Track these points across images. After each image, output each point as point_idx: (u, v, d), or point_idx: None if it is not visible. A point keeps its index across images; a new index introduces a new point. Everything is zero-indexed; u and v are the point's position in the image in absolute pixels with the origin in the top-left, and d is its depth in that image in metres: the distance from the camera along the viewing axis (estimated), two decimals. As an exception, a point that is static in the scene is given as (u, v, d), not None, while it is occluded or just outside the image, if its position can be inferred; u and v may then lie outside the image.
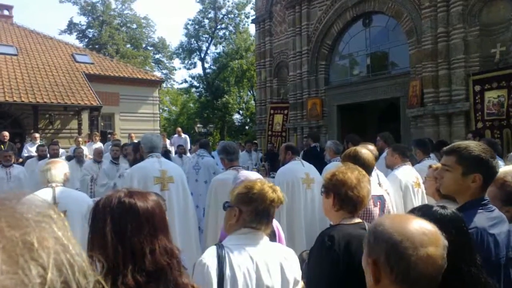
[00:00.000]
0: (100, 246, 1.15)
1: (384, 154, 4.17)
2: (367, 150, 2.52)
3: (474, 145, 1.70)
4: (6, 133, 9.27)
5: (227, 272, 1.48)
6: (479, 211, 1.62)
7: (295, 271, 1.65)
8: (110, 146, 7.16)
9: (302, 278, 1.70)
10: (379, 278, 0.99)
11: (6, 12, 18.29)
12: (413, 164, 4.00)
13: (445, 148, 1.84)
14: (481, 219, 1.58)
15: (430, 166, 2.42)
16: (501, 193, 1.87)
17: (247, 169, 5.74)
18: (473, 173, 1.63)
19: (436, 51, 7.81)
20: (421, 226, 0.99)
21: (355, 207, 1.74)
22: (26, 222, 0.33)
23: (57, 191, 2.75)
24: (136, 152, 4.27)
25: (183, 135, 12.20)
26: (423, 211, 1.38)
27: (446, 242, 0.99)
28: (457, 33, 7.47)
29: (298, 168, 3.98)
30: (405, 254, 0.94)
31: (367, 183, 1.80)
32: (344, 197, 1.71)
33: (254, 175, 2.26)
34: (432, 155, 4.53)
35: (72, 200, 2.79)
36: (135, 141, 9.40)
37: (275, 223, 2.23)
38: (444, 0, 7.65)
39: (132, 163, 4.22)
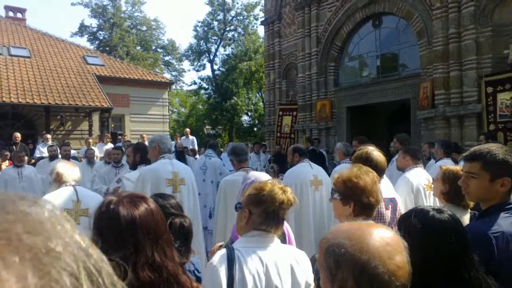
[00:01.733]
0: None
1: (396, 156, 4.14)
2: (379, 152, 2.49)
3: (496, 149, 1.67)
4: (18, 134, 9.42)
5: (237, 274, 1.47)
6: (504, 215, 1.59)
7: (307, 275, 1.63)
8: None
9: (314, 280, 1.69)
10: None
11: (19, 15, 18.62)
12: (425, 162, 3.98)
13: (465, 154, 1.80)
14: (507, 224, 1.55)
15: (440, 167, 2.39)
16: None
17: (256, 170, 5.73)
18: (502, 178, 1.61)
19: (448, 52, 7.72)
20: (382, 237, 0.90)
21: (372, 212, 1.73)
22: (43, 226, 0.28)
23: (78, 190, 2.81)
24: (136, 154, 4.04)
25: (190, 137, 12.26)
26: (419, 218, 1.37)
27: (405, 243, 0.92)
28: (469, 34, 7.37)
29: (307, 170, 3.97)
30: (377, 274, 0.85)
31: (378, 180, 1.79)
32: (366, 204, 1.68)
33: (264, 176, 2.26)
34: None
35: (91, 199, 2.85)
36: (146, 142, 9.47)
37: (285, 224, 2.23)
38: (455, 0, 7.56)
39: (132, 165, 4.06)
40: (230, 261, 1.49)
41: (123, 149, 6.07)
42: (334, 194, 1.78)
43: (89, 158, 6.74)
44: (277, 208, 1.58)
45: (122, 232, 1.09)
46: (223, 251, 1.54)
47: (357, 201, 1.69)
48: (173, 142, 6.44)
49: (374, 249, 0.87)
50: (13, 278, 0.24)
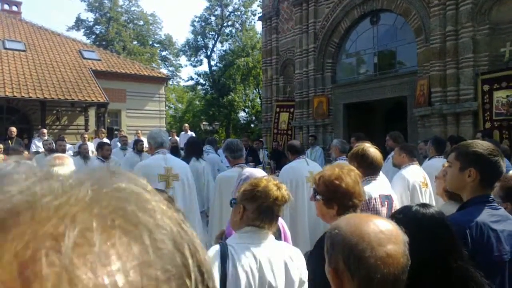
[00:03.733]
0: None
1: (392, 153, 4.14)
2: (375, 149, 2.49)
3: (476, 143, 1.71)
4: (14, 129, 9.35)
5: (230, 271, 1.47)
6: (482, 207, 1.63)
7: (301, 272, 1.63)
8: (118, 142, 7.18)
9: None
10: (342, 287, 0.92)
11: (14, 8, 18.44)
12: (423, 160, 3.98)
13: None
14: (482, 215, 1.59)
15: (443, 165, 2.39)
16: (499, 189, 1.87)
17: (254, 167, 5.75)
18: (469, 168, 1.65)
19: (445, 49, 7.73)
20: (378, 224, 0.92)
21: (356, 210, 1.72)
22: (145, 203, 0.27)
23: None
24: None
25: (189, 132, 12.23)
26: (404, 213, 1.40)
27: (406, 238, 0.93)
28: (466, 31, 7.38)
29: (302, 166, 3.97)
30: (363, 256, 0.87)
31: (360, 179, 1.77)
32: (349, 206, 1.67)
33: (258, 172, 2.25)
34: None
35: None
36: (142, 138, 9.44)
37: (280, 221, 2.22)
38: (453, -2, 7.56)
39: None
40: (223, 257, 1.48)
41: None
42: (316, 195, 1.74)
43: (84, 154, 6.71)
44: (271, 204, 1.57)
45: None
46: (216, 247, 1.54)
47: (341, 203, 1.69)
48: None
49: (365, 233, 0.90)
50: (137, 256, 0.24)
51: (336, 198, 1.68)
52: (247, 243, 1.55)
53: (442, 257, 1.27)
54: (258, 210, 1.57)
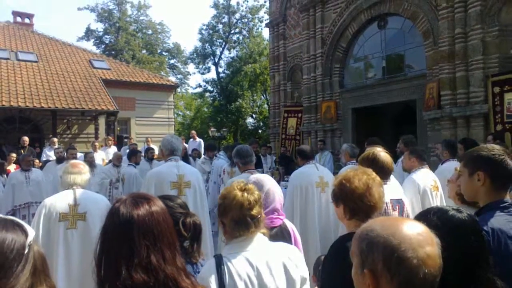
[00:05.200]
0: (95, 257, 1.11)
1: (402, 157, 4.11)
2: (385, 153, 2.48)
3: (482, 147, 1.69)
4: (26, 138, 9.52)
5: (227, 282, 1.45)
6: (498, 213, 1.58)
7: (301, 270, 1.61)
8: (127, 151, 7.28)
9: (318, 279, 1.67)
10: None
11: (27, 20, 18.86)
12: (436, 164, 3.93)
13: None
14: (499, 221, 1.55)
15: (455, 169, 2.37)
16: None
17: (262, 173, 5.76)
18: (476, 172, 1.63)
19: (454, 52, 7.66)
20: (414, 227, 0.95)
21: (367, 215, 1.67)
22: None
23: (77, 193, 2.80)
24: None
25: (197, 139, 12.28)
26: (438, 215, 1.36)
27: (438, 240, 0.95)
28: (475, 33, 7.31)
29: (312, 171, 3.95)
30: (405, 257, 0.88)
31: (379, 186, 1.74)
32: (355, 206, 1.66)
33: (265, 178, 2.25)
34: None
35: (91, 202, 2.83)
36: (151, 145, 9.52)
37: (290, 225, 2.21)
38: (461, 0, 7.51)
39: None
40: (219, 269, 1.47)
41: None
42: (335, 200, 1.79)
43: (90, 162, 6.80)
44: (241, 213, 1.55)
45: (119, 230, 1.10)
46: (212, 260, 1.53)
47: (346, 203, 1.68)
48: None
49: (405, 235, 0.91)
50: None
51: (342, 197, 1.70)
52: (239, 252, 1.53)
53: (470, 266, 1.24)
54: (233, 222, 1.56)
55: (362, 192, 1.66)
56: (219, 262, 1.49)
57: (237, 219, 1.55)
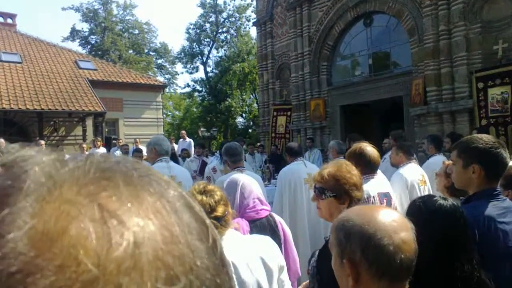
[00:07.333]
0: None
1: (389, 153, 4.17)
2: (372, 148, 2.51)
3: (476, 138, 1.70)
4: (2, 140, 9.31)
5: None
6: (488, 200, 1.61)
7: (277, 259, 1.62)
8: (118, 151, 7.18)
9: (311, 277, 1.68)
10: (358, 277, 0.94)
11: (9, 21, 18.48)
12: (423, 159, 4.00)
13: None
14: (488, 208, 1.58)
15: (443, 163, 2.41)
16: (501, 178, 1.88)
17: (252, 171, 5.77)
18: (472, 164, 1.64)
19: (438, 49, 7.79)
20: (388, 214, 0.97)
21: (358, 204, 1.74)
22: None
23: None
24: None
25: (187, 139, 12.23)
26: (423, 200, 1.42)
27: (413, 225, 0.98)
28: (459, 30, 7.45)
29: (300, 168, 3.97)
30: (382, 245, 0.90)
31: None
32: (356, 200, 1.67)
33: (238, 175, 2.25)
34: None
35: None
36: (140, 146, 9.45)
37: (278, 219, 2.23)
38: (445, -2, 7.64)
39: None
40: None
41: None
42: (326, 192, 1.68)
43: None
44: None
45: None
46: None
47: (351, 197, 1.68)
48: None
49: (380, 223, 0.94)
50: None
51: (347, 191, 1.65)
52: None
53: (446, 250, 1.26)
54: None
55: (360, 183, 1.70)
56: None
57: None
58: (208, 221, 0.29)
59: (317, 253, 1.69)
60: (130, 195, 0.25)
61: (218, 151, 6.01)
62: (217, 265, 0.26)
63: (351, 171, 1.71)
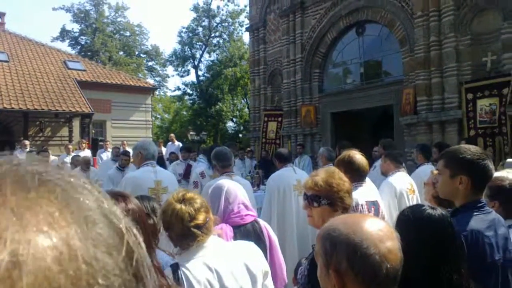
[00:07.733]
0: None
1: (379, 161, 4.15)
2: (361, 156, 2.47)
3: (464, 148, 1.70)
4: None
5: None
6: (475, 213, 1.62)
7: (261, 264, 1.59)
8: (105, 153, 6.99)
9: (301, 286, 1.62)
10: (343, 287, 0.93)
11: (-2, 19, 18.17)
12: (412, 168, 4.00)
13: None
14: (476, 222, 1.58)
15: (432, 172, 2.39)
16: (486, 188, 1.89)
17: (241, 176, 5.68)
18: (459, 175, 1.63)
19: (429, 59, 7.86)
20: (374, 223, 0.97)
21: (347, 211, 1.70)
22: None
23: None
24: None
25: (176, 143, 12.10)
26: (412, 209, 1.41)
27: (398, 234, 0.97)
28: (449, 42, 7.53)
29: (289, 174, 3.93)
30: (368, 254, 0.90)
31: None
32: (347, 208, 1.64)
33: (228, 182, 2.19)
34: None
35: None
36: (127, 149, 9.29)
37: (263, 223, 2.17)
38: (436, 9, 7.73)
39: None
40: (176, 277, 1.41)
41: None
42: (320, 200, 1.61)
43: (76, 164, 6.55)
44: (184, 227, 1.48)
45: None
46: (168, 269, 1.46)
47: (344, 204, 1.65)
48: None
49: (366, 232, 0.93)
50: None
51: (340, 198, 1.62)
52: (196, 257, 1.48)
53: (432, 259, 1.26)
54: (179, 237, 1.51)
55: (350, 189, 1.68)
56: (176, 271, 1.42)
57: (181, 233, 1.49)
58: (128, 232, 0.26)
59: (306, 262, 1.63)
60: (18, 205, 0.21)
61: (201, 155, 5.85)
62: (128, 281, 0.23)
63: (343, 178, 1.69)
